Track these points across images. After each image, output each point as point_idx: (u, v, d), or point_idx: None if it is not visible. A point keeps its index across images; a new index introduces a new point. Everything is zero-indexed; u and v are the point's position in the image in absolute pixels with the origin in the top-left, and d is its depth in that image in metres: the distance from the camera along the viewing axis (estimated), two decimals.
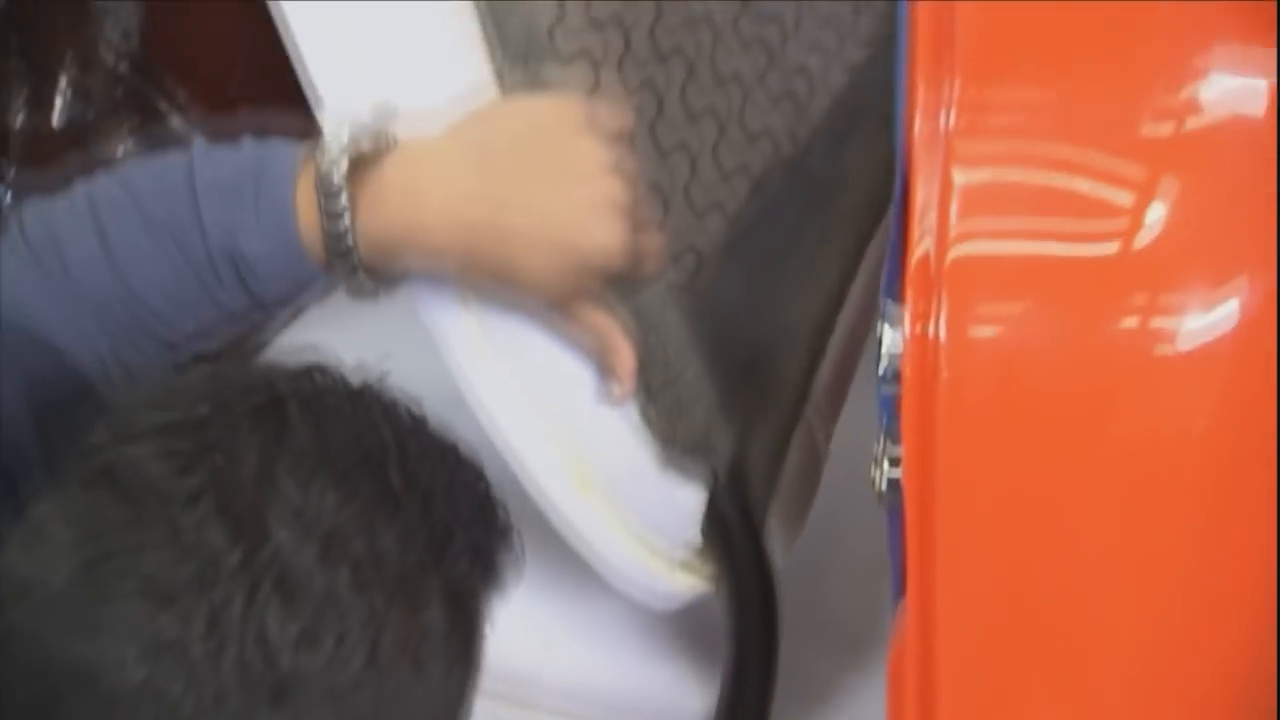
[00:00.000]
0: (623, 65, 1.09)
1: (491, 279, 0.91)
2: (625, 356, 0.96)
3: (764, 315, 1.19)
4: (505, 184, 0.89)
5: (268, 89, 2.36)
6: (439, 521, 0.71)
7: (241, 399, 0.71)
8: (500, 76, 0.96)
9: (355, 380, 0.75)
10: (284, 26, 0.93)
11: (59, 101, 2.05)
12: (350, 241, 0.88)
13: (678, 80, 1.14)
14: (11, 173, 2.00)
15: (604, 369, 0.97)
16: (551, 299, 0.92)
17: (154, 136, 2.15)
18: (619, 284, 0.94)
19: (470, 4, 0.95)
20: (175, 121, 2.17)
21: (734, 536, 1.08)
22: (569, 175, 0.90)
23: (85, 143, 2.09)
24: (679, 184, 1.15)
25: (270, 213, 0.88)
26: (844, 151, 1.35)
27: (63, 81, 2.05)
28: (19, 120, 2.00)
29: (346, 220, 0.87)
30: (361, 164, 0.87)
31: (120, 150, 2.13)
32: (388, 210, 0.88)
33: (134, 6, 1.98)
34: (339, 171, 0.86)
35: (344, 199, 0.86)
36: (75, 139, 2.07)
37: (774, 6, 1.33)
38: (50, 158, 2.01)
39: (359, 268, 0.89)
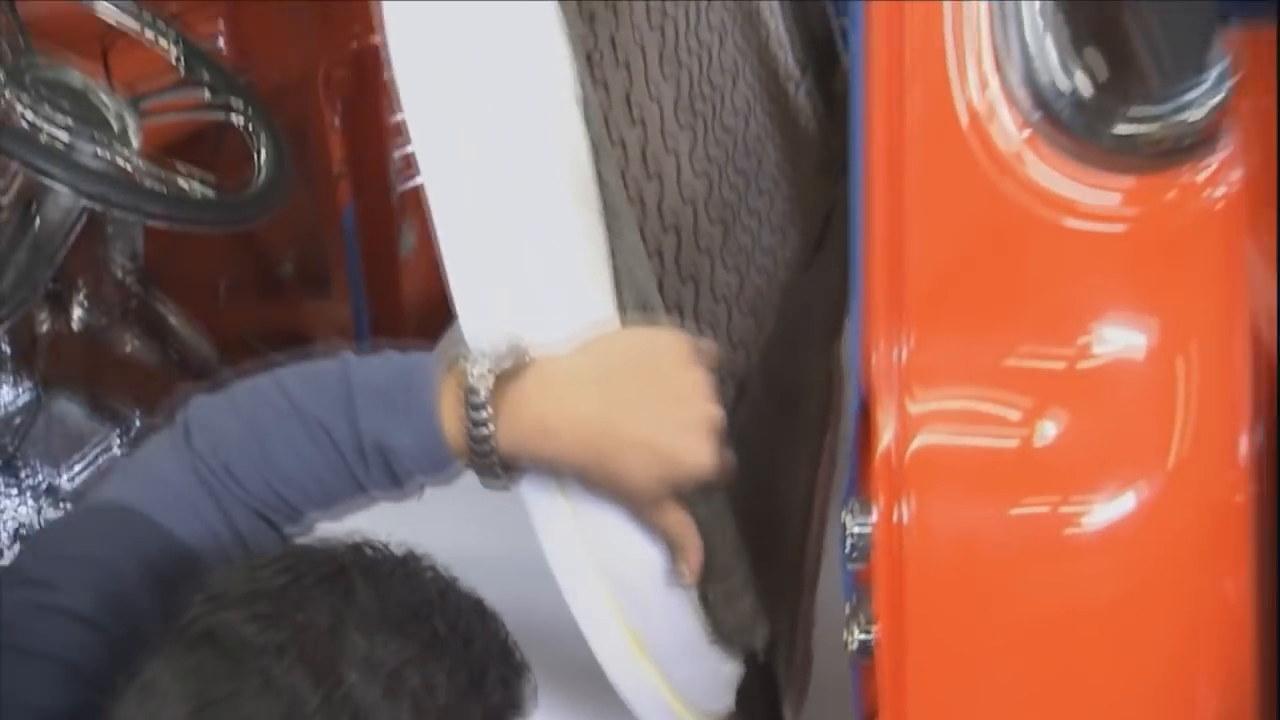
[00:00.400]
0: (662, 289, 1.12)
1: (601, 478, 0.92)
2: (694, 549, 0.96)
3: (765, 504, 1.19)
4: (624, 403, 0.91)
5: (248, 299, 2.42)
6: (476, 660, 0.77)
7: (312, 569, 0.76)
8: (622, 314, 0.97)
9: (398, 550, 0.80)
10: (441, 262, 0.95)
11: (77, 310, 2.06)
12: (491, 443, 0.89)
13: (691, 301, 1.19)
14: (30, 372, 2.00)
15: (676, 557, 0.96)
16: (646, 498, 0.93)
17: (158, 337, 2.21)
18: (699, 491, 0.95)
19: (605, 255, 0.97)
20: (175, 324, 2.20)
21: (759, 710, 1.11)
22: (677, 399, 0.92)
23: (100, 344, 2.11)
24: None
25: (419, 414, 0.90)
26: (798, 360, 1.40)
27: (80, 293, 2.06)
28: (44, 326, 2.00)
29: (490, 426, 0.89)
30: (504, 375, 0.90)
31: (129, 349, 2.16)
32: (524, 418, 0.90)
33: (139, 232, 2.01)
34: (485, 385, 0.88)
35: (488, 409, 0.88)
36: (91, 341, 2.10)
37: (742, 239, 1.40)
38: (71, 357, 2.05)
39: (496, 461, 0.90)
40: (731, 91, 1.47)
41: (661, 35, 1.27)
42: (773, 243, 1.50)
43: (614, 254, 0.97)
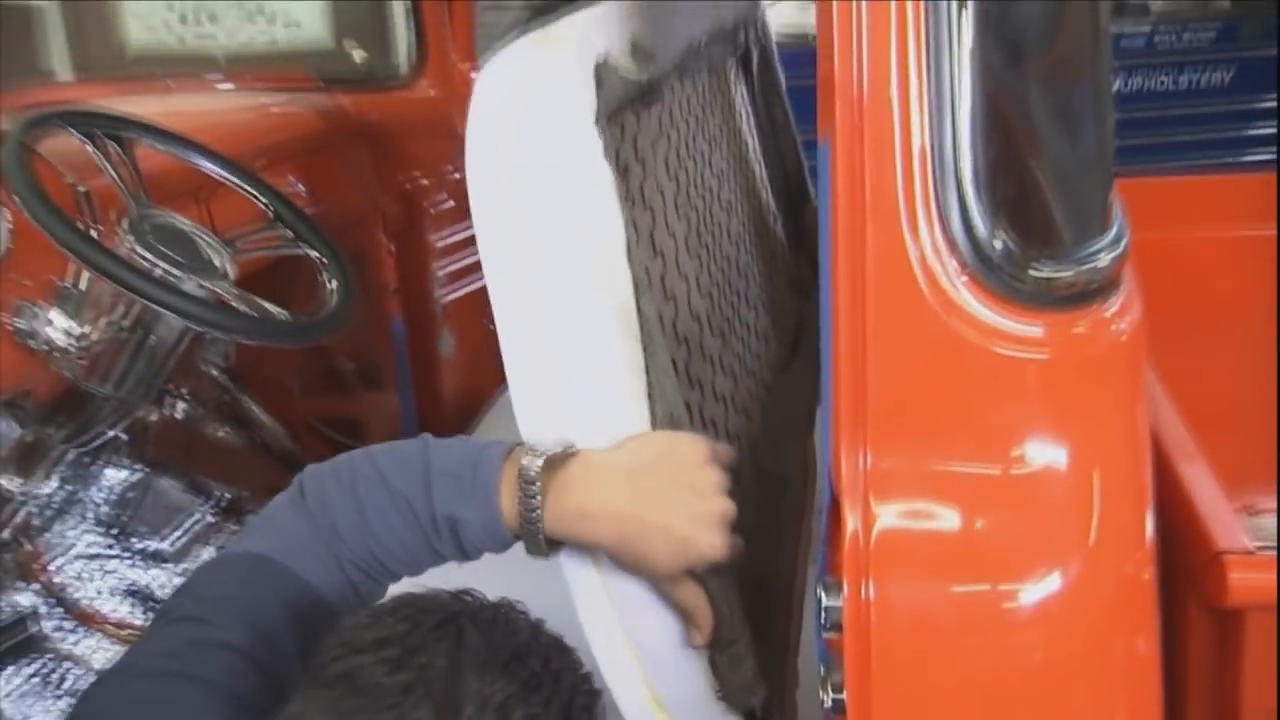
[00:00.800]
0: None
1: (629, 557, 0.91)
2: (705, 619, 0.95)
3: (758, 578, 1.15)
4: (650, 495, 0.90)
5: (316, 393, 2.44)
6: (565, 692, 0.76)
7: (428, 617, 0.76)
8: (654, 424, 0.96)
9: (493, 597, 0.80)
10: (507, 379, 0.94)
11: (180, 404, 2.07)
12: (539, 520, 0.89)
13: (698, 403, 1.17)
14: (140, 455, 2.00)
15: (690, 625, 0.96)
16: (666, 575, 0.92)
17: (243, 425, 2.21)
18: (710, 570, 0.94)
19: (641, 373, 0.96)
20: (257, 414, 2.20)
21: None
22: (694, 493, 0.91)
23: (196, 431, 2.11)
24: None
25: (483, 494, 0.89)
26: (781, 452, 1.38)
27: (182, 391, 2.06)
28: (153, 417, 2.01)
29: (538, 505, 0.88)
30: (552, 466, 0.89)
31: (220, 434, 2.16)
32: (567, 504, 0.89)
33: (230, 341, 2.01)
34: (536, 470, 0.88)
35: (538, 490, 0.88)
36: (189, 428, 2.10)
37: (736, 347, 1.38)
38: (172, 442, 2.05)
39: (542, 538, 0.90)
40: (728, 225, 1.47)
41: (676, 182, 1.28)
42: (759, 349, 1.50)
43: (648, 371, 0.97)
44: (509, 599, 0.80)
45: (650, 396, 0.96)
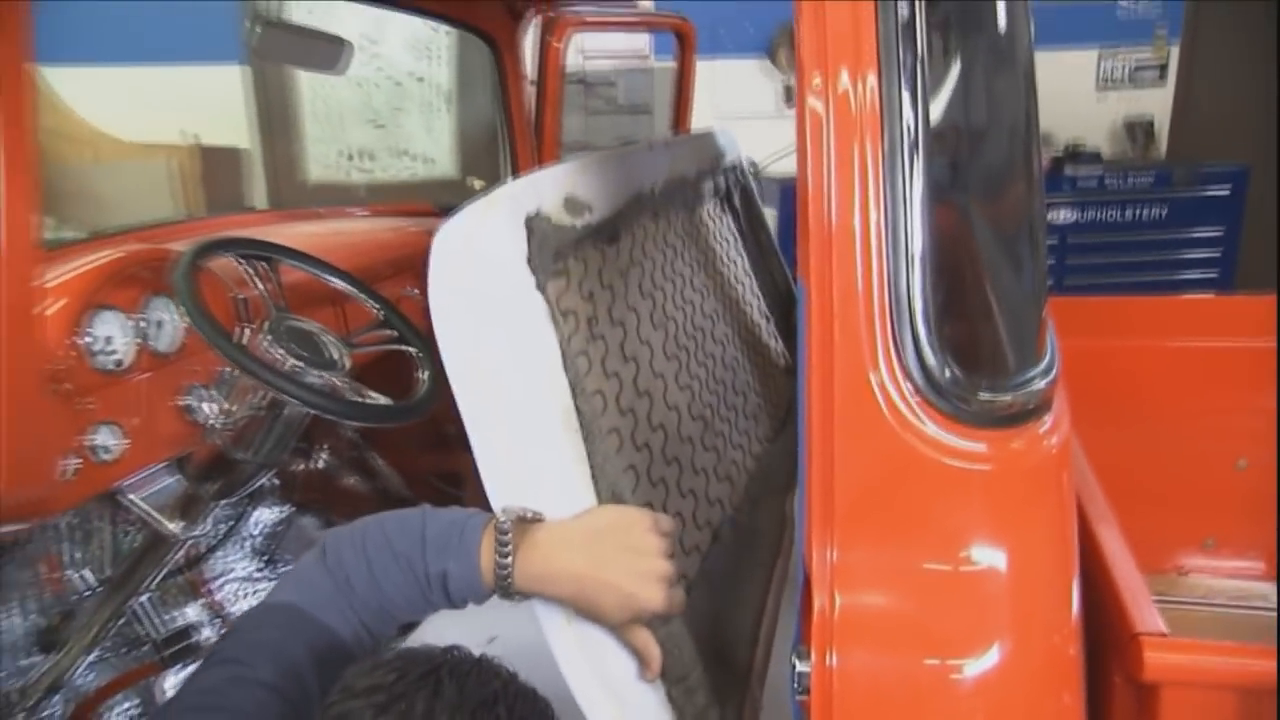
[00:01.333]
0: (650, 472, 1.07)
1: (585, 607, 0.89)
2: (654, 658, 0.92)
3: (727, 619, 1.13)
4: (601, 557, 0.88)
5: (427, 450, 2.42)
6: None
7: (414, 669, 0.74)
8: (599, 501, 0.94)
9: (475, 653, 0.77)
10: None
11: (320, 458, 2.05)
12: (510, 568, 0.87)
13: (675, 477, 1.13)
14: (288, 497, 1.99)
15: (641, 662, 0.93)
16: (617, 622, 0.90)
17: (370, 475, 2.19)
18: (659, 618, 0.92)
19: (584, 460, 0.93)
20: (380, 466, 2.17)
21: None
22: (639, 555, 0.88)
23: (332, 479, 2.09)
24: (677, 535, 1.12)
25: (466, 554, 0.88)
26: (758, 514, 1.31)
27: (322, 447, 2.04)
28: (299, 468, 1.99)
29: (510, 560, 0.86)
30: (522, 529, 0.87)
31: (351, 481, 2.14)
32: (533, 560, 0.87)
33: None
34: (509, 528, 0.87)
35: (510, 546, 0.86)
36: (328, 476, 2.08)
37: (720, 426, 1.32)
38: (313, 488, 2.04)
39: (512, 590, 0.88)
40: (711, 330, 1.42)
41: (652, 301, 1.24)
42: (748, 426, 1.44)
43: (590, 457, 0.94)
44: (489, 655, 0.78)
45: (594, 479, 0.94)
